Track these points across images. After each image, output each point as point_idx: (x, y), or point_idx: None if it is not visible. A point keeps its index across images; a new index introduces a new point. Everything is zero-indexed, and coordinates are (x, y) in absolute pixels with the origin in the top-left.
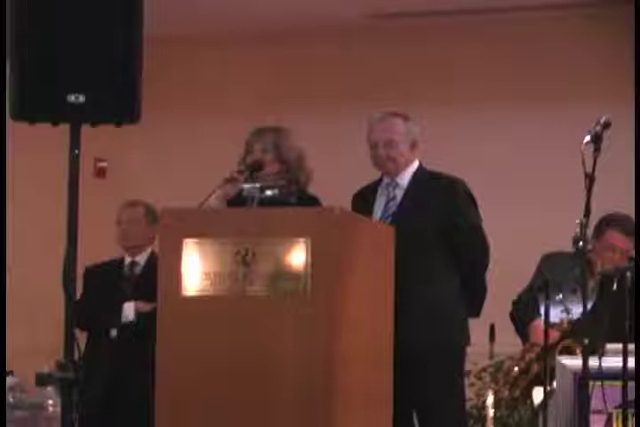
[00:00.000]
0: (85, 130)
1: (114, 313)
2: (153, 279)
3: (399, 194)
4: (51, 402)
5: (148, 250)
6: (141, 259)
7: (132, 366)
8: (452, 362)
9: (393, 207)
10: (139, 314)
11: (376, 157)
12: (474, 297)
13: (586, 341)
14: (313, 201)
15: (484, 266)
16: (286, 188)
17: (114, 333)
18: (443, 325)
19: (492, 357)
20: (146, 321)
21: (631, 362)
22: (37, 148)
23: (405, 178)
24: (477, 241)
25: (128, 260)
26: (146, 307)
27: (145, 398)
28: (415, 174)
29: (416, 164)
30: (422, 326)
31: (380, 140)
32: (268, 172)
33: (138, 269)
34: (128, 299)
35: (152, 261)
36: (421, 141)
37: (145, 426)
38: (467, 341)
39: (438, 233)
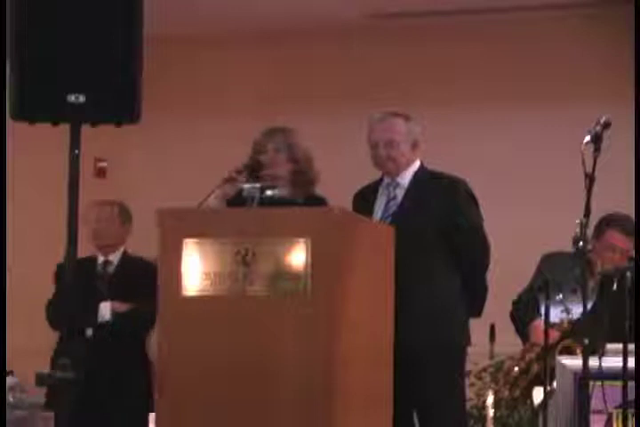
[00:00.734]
0: (85, 130)
1: (89, 312)
2: (127, 279)
3: (400, 194)
4: None
5: (121, 249)
6: (114, 258)
7: (107, 365)
8: (452, 362)
9: (393, 207)
10: (115, 314)
11: (376, 157)
12: (474, 297)
13: (586, 341)
14: (320, 202)
15: (485, 266)
16: (293, 188)
17: (89, 332)
18: (443, 325)
19: (492, 357)
20: (122, 321)
21: (631, 362)
22: (37, 148)
23: (406, 178)
24: (478, 241)
25: (101, 259)
26: (122, 307)
27: (133, 398)
28: (416, 174)
29: (417, 164)
30: (422, 326)
31: (380, 141)
32: (280, 171)
33: (111, 269)
34: (104, 298)
35: (125, 260)
36: (423, 141)
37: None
38: (467, 341)
39: (439, 233)
